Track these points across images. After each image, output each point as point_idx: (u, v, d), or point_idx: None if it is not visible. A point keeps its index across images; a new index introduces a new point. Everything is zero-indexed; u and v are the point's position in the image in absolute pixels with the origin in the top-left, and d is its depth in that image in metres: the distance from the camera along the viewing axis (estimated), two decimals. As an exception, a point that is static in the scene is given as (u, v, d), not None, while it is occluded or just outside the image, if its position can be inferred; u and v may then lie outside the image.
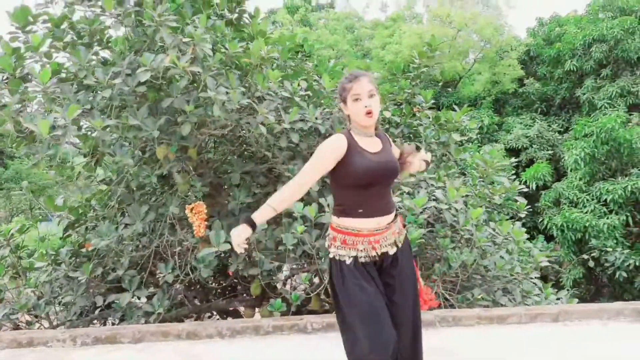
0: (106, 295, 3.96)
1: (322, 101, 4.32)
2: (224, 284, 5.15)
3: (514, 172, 10.00)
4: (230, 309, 5.01)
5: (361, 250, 2.01)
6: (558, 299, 5.01)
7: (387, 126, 4.77)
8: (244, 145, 4.48)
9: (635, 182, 10.51)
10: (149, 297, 3.97)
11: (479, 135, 14.94)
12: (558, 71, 15.96)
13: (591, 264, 10.23)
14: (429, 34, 14.15)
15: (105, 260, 4.00)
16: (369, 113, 1.98)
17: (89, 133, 3.71)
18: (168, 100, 3.45)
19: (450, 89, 17.53)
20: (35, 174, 18.30)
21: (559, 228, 10.75)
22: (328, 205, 3.97)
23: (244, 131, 4.00)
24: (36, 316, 4.06)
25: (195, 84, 3.57)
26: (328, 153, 1.96)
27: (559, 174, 13.65)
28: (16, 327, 3.98)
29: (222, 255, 4.38)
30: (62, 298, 3.96)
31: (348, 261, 2.01)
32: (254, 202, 4.25)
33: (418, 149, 2.40)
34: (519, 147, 14.56)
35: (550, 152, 14.52)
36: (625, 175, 11.10)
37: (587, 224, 10.40)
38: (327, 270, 2.15)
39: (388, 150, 2.10)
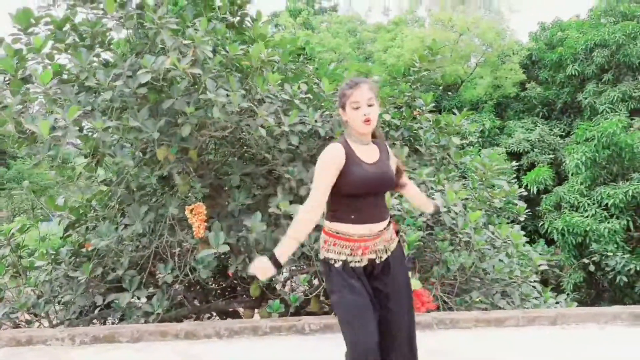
0: (106, 295, 3.98)
1: (323, 104, 4.35)
2: (223, 285, 5.17)
3: (514, 175, 10.03)
4: (230, 309, 5.03)
5: (350, 255, 2.02)
6: (557, 302, 5.01)
7: (387, 129, 4.79)
8: (245, 147, 4.50)
9: (637, 187, 10.50)
10: (149, 297, 3.99)
11: (480, 139, 14.95)
12: (560, 75, 15.97)
13: (592, 268, 10.21)
14: (431, 37, 14.19)
15: (105, 260, 4.03)
16: (367, 121, 1.98)
17: (90, 134, 3.75)
18: (169, 101, 3.48)
19: (451, 93, 17.55)
20: (37, 174, 18.37)
21: (559, 232, 10.75)
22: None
23: (244, 133, 4.02)
24: (36, 315, 4.08)
25: (196, 86, 3.60)
26: (331, 166, 1.96)
27: (560, 178, 13.65)
28: (16, 326, 4.00)
29: (222, 256, 4.40)
30: (61, 297, 3.98)
31: (337, 264, 2.02)
32: (253, 204, 4.28)
33: (437, 212, 2.46)
34: (520, 151, 14.56)
35: (551, 156, 14.52)
36: (626, 180, 11.09)
37: (587, 228, 10.39)
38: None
39: (385, 161, 2.10)
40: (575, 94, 15.49)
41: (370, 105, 1.98)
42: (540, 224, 12.07)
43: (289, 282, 4.87)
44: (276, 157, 4.21)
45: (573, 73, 15.22)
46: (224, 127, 3.85)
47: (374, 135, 2.14)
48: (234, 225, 4.08)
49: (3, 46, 3.36)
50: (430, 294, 3.98)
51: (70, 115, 3.00)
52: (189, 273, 3.95)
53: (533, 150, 14.54)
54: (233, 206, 4.15)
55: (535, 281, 4.82)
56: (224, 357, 3.11)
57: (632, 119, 12.89)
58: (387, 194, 3.90)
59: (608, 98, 14.10)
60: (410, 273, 3.59)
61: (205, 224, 3.84)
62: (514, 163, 9.21)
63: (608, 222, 10.50)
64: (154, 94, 3.59)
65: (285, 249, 1.96)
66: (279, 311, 3.83)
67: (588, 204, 11.14)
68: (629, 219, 10.59)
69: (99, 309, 4.12)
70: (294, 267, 4.53)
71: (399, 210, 3.95)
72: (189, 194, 4.20)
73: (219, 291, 5.18)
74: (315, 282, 4.17)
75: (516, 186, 5.13)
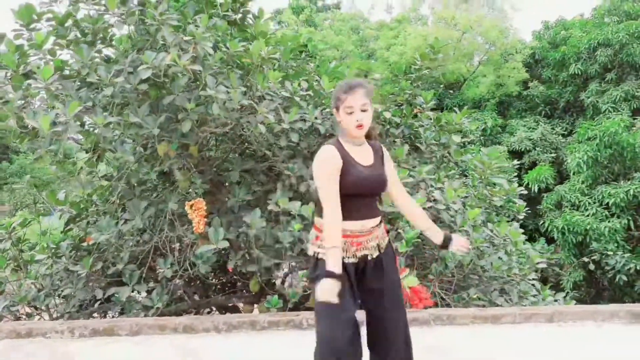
0: (106, 289, 4.01)
1: (323, 101, 4.36)
2: (223, 280, 5.20)
3: (516, 174, 10.03)
4: (229, 305, 5.06)
5: (341, 251, 2.01)
6: (555, 300, 5.03)
7: (387, 126, 4.81)
8: (245, 144, 4.53)
9: (638, 186, 10.49)
10: (149, 292, 4.03)
11: (482, 137, 14.95)
12: (563, 74, 15.94)
13: (592, 267, 10.23)
14: (433, 36, 14.16)
15: (106, 255, 4.06)
16: (359, 127, 2.00)
17: (92, 129, 3.77)
18: (169, 98, 3.50)
19: (453, 91, 17.53)
20: (39, 168, 18.46)
21: (559, 231, 10.76)
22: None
23: (244, 130, 4.04)
24: (36, 308, 4.12)
25: (197, 83, 3.62)
26: (333, 169, 1.98)
27: (562, 177, 13.64)
28: (17, 319, 4.04)
29: (222, 252, 4.43)
30: (62, 291, 4.01)
31: (324, 258, 2.00)
32: (253, 200, 4.30)
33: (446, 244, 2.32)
34: (522, 150, 14.56)
35: (553, 155, 14.51)
36: (627, 179, 11.09)
37: (588, 227, 10.40)
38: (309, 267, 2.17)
39: (379, 164, 2.10)
40: (578, 93, 15.48)
41: (364, 111, 1.99)
42: (540, 223, 12.08)
43: (288, 277, 4.89)
44: (276, 154, 4.23)
45: (576, 72, 15.20)
46: (225, 124, 3.87)
47: (369, 136, 2.14)
48: (233, 221, 4.11)
49: (5, 42, 3.38)
50: (428, 291, 4.00)
51: (71, 110, 3.03)
52: (189, 268, 3.98)
53: (535, 149, 14.54)
54: (233, 202, 4.17)
55: (534, 279, 4.84)
56: (222, 351, 3.13)
57: (634, 119, 12.86)
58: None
59: (611, 97, 14.07)
60: (408, 270, 3.62)
61: (205, 219, 3.87)
62: (516, 162, 9.26)
63: (609, 221, 10.51)
64: (154, 90, 3.61)
65: (336, 260, 1.94)
66: (278, 306, 3.86)
67: (589, 203, 11.14)
68: (630, 218, 10.58)
69: (99, 302, 4.16)
70: (293, 263, 4.55)
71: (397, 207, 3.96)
72: (189, 190, 4.23)
73: (218, 286, 5.21)
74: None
75: (516, 184, 5.14)
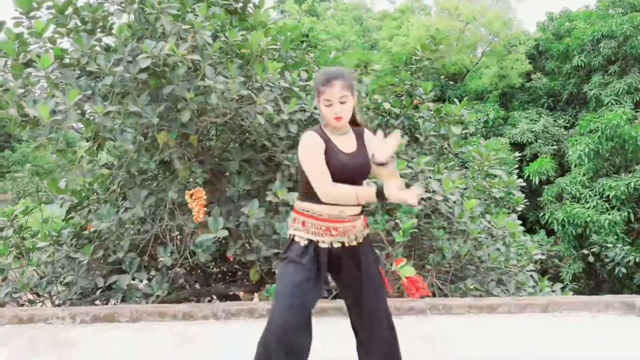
0: (107, 277, 4.06)
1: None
2: (224, 269, 5.24)
3: (517, 166, 10.04)
4: (230, 293, 5.11)
5: (317, 234, 2.03)
6: (553, 291, 5.06)
7: (387, 117, 4.81)
8: (245, 134, 4.54)
9: (639, 179, 10.51)
10: (150, 280, 4.07)
11: (484, 129, 14.93)
12: (566, 66, 15.86)
13: (591, 259, 10.27)
14: (437, 26, 14.09)
15: (106, 243, 4.10)
16: (337, 119, 1.99)
17: (92, 118, 3.79)
18: (169, 87, 3.51)
19: (455, 82, 17.46)
20: (41, 157, 18.53)
21: (560, 223, 10.79)
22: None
23: (243, 120, 4.06)
24: (38, 295, 4.17)
25: (197, 72, 3.63)
26: (318, 150, 1.98)
27: (564, 170, 13.64)
28: (19, 306, 4.09)
29: (223, 241, 4.47)
30: (63, 278, 4.06)
31: (302, 243, 2.03)
32: (253, 190, 4.33)
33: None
34: (524, 142, 14.54)
35: (555, 147, 14.49)
36: (628, 172, 11.09)
37: (588, 220, 10.43)
38: (280, 257, 2.14)
39: (362, 150, 2.09)
40: (581, 85, 15.41)
41: (343, 103, 1.98)
42: (541, 215, 12.11)
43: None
44: (276, 145, 4.24)
45: (579, 64, 15.12)
46: (224, 114, 3.89)
47: (356, 124, 2.13)
48: (233, 210, 4.14)
49: (4, 30, 3.39)
50: (425, 281, 4.03)
51: (71, 99, 3.05)
52: (189, 257, 4.02)
53: (537, 141, 14.52)
54: (232, 192, 4.20)
55: (532, 270, 4.87)
56: (221, 337, 3.18)
57: (637, 111, 12.83)
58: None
59: (613, 90, 14.02)
60: (405, 260, 3.65)
61: (205, 208, 3.89)
62: (517, 154, 9.26)
63: (609, 214, 10.53)
64: (154, 79, 3.62)
65: (367, 190, 1.95)
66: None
67: (589, 196, 11.16)
68: (630, 210, 10.61)
69: (100, 290, 4.21)
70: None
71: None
72: (190, 179, 4.26)
73: (219, 275, 5.25)
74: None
75: (515, 176, 5.15)
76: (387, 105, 4.61)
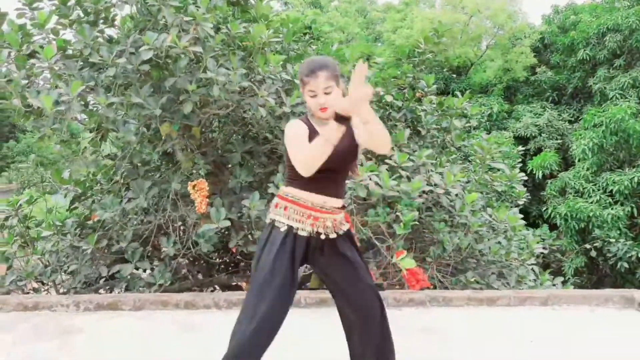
0: (111, 266, 4.11)
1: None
2: (226, 260, 5.29)
3: (520, 160, 10.01)
4: (232, 284, 5.16)
5: (298, 221, 2.00)
6: (554, 285, 5.08)
7: (389, 110, 4.82)
8: (248, 126, 4.56)
9: (643, 174, 10.48)
10: (152, 270, 4.12)
11: (488, 123, 14.88)
12: (571, 60, 15.74)
13: (593, 253, 10.28)
14: (440, 19, 14.01)
15: (110, 233, 4.14)
16: (322, 110, 1.97)
17: (95, 109, 3.82)
18: (171, 79, 3.53)
19: (460, 75, 17.38)
20: (45, 148, 18.62)
21: (562, 217, 10.78)
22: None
23: (245, 112, 4.08)
24: (43, 283, 4.23)
25: (199, 64, 3.65)
26: (302, 132, 1.96)
27: (567, 164, 13.60)
28: (24, 294, 4.15)
29: (225, 232, 4.50)
30: (67, 267, 4.12)
31: (282, 228, 2.00)
32: (255, 182, 4.36)
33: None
34: (528, 136, 14.49)
35: (559, 141, 14.44)
36: (632, 167, 11.05)
37: (591, 214, 10.41)
38: (258, 241, 2.11)
39: (347, 139, 2.01)
40: (586, 79, 15.30)
41: (327, 93, 1.95)
42: (544, 209, 12.10)
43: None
44: (278, 137, 4.26)
45: (584, 57, 15.00)
46: (226, 106, 3.90)
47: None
48: (235, 202, 4.17)
49: (7, 21, 3.41)
50: (426, 273, 4.06)
51: (74, 90, 3.07)
52: (191, 247, 4.06)
53: (540, 135, 14.46)
54: (234, 183, 4.23)
55: (533, 264, 4.88)
56: (222, 326, 3.19)
57: (642, 106, 12.74)
58: (386, 174, 3.98)
59: (618, 84, 13.92)
60: (405, 252, 3.67)
61: (207, 199, 3.93)
62: (521, 148, 9.23)
63: (612, 209, 10.51)
64: (156, 71, 3.64)
65: (326, 128, 1.81)
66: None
67: (593, 190, 11.13)
68: (633, 205, 10.59)
69: (103, 279, 4.26)
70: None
71: (398, 192, 4.00)
72: (192, 171, 4.29)
73: (222, 266, 5.30)
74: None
75: (517, 170, 5.15)
76: (389, 98, 4.61)
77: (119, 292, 4.18)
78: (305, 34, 5.19)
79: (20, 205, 4.17)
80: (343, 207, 2.11)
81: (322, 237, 2.04)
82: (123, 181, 4.33)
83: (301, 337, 2.93)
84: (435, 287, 4.15)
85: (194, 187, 3.94)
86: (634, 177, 10.50)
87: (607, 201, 10.80)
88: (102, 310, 3.44)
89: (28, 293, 4.19)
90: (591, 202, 10.81)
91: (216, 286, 5.23)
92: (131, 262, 3.96)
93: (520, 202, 5.29)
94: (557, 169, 12.92)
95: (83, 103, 3.69)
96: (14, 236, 4.14)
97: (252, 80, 3.84)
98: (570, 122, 15.20)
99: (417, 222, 4.06)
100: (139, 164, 4.23)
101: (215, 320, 3.31)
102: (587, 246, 10.37)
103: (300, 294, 3.57)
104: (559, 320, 3.45)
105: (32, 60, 3.46)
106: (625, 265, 10.04)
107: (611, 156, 11.44)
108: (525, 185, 5.55)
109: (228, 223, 3.80)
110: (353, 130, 2.05)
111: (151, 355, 2.81)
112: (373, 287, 2.11)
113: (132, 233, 4.09)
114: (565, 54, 16.15)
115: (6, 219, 4.18)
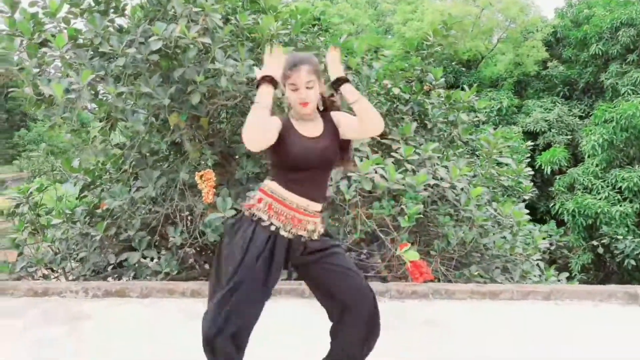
0: (119, 254, 4.18)
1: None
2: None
3: (529, 155, 9.95)
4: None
5: (282, 222, 1.95)
6: (559, 281, 5.08)
7: (396, 103, 4.82)
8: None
9: (653, 171, 10.38)
10: (159, 258, 4.19)
11: (497, 117, 14.78)
12: (583, 54, 15.55)
13: (601, 250, 10.23)
14: (451, 11, 13.89)
15: (119, 221, 4.21)
16: (303, 104, 1.95)
17: (105, 99, 3.86)
18: (180, 70, 3.56)
19: (470, 69, 17.23)
20: (56, 137, 18.81)
21: (570, 213, 10.73)
22: (330, 178, 4.07)
23: (252, 103, 4.09)
24: (53, 270, 4.32)
25: (208, 55, 3.67)
26: (271, 121, 1.91)
27: (577, 160, 13.49)
28: (34, 280, 4.24)
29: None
30: (77, 254, 4.19)
31: (271, 227, 1.94)
32: (261, 173, 4.39)
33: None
34: (537, 131, 14.36)
35: (569, 137, 14.31)
36: (643, 164, 10.96)
37: (599, 211, 10.35)
38: (229, 228, 2.03)
39: (329, 134, 2.02)
40: (599, 74, 15.11)
41: (309, 88, 1.93)
42: (552, 205, 12.04)
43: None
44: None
45: (597, 52, 14.80)
46: (234, 97, 3.93)
47: (328, 109, 2.08)
48: (241, 192, 4.21)
49: (20, 10, 3.45)
50: (430, 267, 4.08)
51: (84, 79, 3.11)
52: (198, 237, 4.11)
53: (550, 131, 14.34)
54: (241, 174, 4.26)
55: (538, 260, 4.87)
56: (227, 315, 3.26)
57: (654, 102, 12.57)
58: (392, 167, 3.98)
59: (631, 79, 13.74)
60: (409, 245, 3.70)
61: (214, 190, 3.97)
62: (530, 143, 9.18)
63: (620, 205, 10.44)
64: (166, 61, 3.67)
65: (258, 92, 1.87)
66: (283, 278, 3.97)
67: (602, 187, 11.05)
68: (642, 202, 10.50)
69: (112, 267, 4.34)
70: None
71: (403, 185, 4.01)
72: (200, 161, 4.33)
73: (229, 256, 5.34)
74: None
75: (523, 165, 5.13)
76: (396, 91, 4.61)
77: (126, 280, 4.25)
78: (314, 25, 5.17)
79: (31, 193, 4.24)
80: (322, 211, 2.08)
81: (303, 240, 1.99)
82: (132, 170, 4.38)
83: (304, 327, 2.97)
84: (439, 281, 4.17)
85: (201, 177, 3.98)
86: (643, 174, 10.42)
87: (616, 198, 10.72)
88: (110, 297, 3.51)
89: (38, 280, 4.28)
90: (599, 199, 10.74)
91: (222, 276, 5.29)
92: (138, 250, 4.02)
93: (527, 197, 5.27)
94: (566, 164, 12.83)
95: (93, 92, 3.73)
96: (25, 223, 4.21)
97: (259, 71, 3.85)
98: (580, 117, 15.05)
99: (422, 216, 4.08)
100: (147, 154, 4.28)
101: (220, 309, 3.35)
102: (595, 243, 10.32)
103: (304, 285, 3.60)
104: (562, 315, 3.44)
105: (44, 49, 3.50)
106: (633, 262, 9.99)
107: (621, 152, 11.34)
108: (533, 181, 5.53)
109: (234, 212, 3.84)
110: (337, 128, 2.05)
111: (157, 341, 2.86)
112: (363, 283, 2.06)
113: (140, 222, 4.15)
114: (577, 48, 15.94)
115: (17, 206, 4.26)
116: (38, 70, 3.36)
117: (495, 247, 4.47)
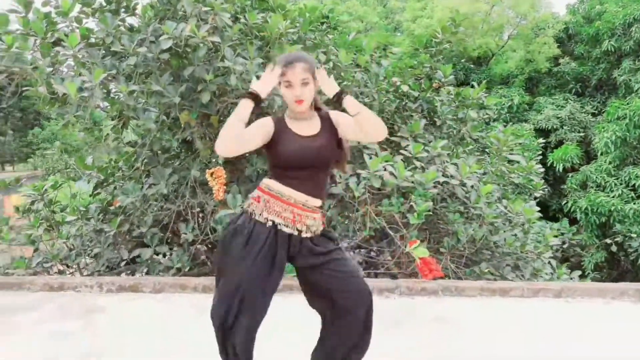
0: (132, 250, 4.25)
1: (342, 74, 4.39)
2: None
3: (541, 152, 9.88)
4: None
5: (280, 217, 1.95)
6: (571, 279, 5.04)
7: (405, 101, 4.82)
8: (265, 115, 4.60)
9: (667, 168, 10.23)
10: (171, 254, 4.24)
11: (508, 115, 14.65)
12: (596, 51, 15.35)
13: (614, 248, 10.10)
14: (461, 8, 13.80)
15: (131, 218, 4.27)
16: (298, 102, 1.95)
17: (117, 97, 3.92)
18: (190, 68, 3.60)
19: (480, 66, 17.10)
20: (69, 135, 19.04)
21: (582, 211, 10.62)
22: (340, 175, 4.10)
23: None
24: (68, 266, 4.40)
25: (217, 53, 3.71)
26: (260, 124, 1.95)
27: (589, 157, 13.34)
28: (50, 276, 4.32)
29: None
30: (91, 250, 4.26)
31: (267, 224, 1.94)
32: (271, 170, 4.42)
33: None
34: (549, 128, 14.22)
35: (581, 134, 14.15)
36: (657, 161, 10.81)
37: (612, 208, 10.24)
38: (229, 222, 2.05)
39: (325, 133, 2.02)
40: (611, 71, 14.91)
41: (304, 85, 1.94)
42: (564, 203, 11.93)
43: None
44: (294, 125, 4.30)
45: (609, 49, 14.60)
46: (243, 95, 3.95)
47: (318, 108, 2.08)
48: (251, 189, 4.22)
49: (33, 9, 3.51)
50: (440, 264, 4.08)
51: (96, 77, 3.16)
52: (210, 233, 4.16)
53: (562, 128, 14.19)
54: (251, 171, 4.30)
55: (550, 258, 4.84)
56: (238, 311, 3.30)
57: (668, 98, 12.39)
58: (401, 165, 3.99)
59: (644, 76, 13.55)
60: (419, 241, 3.70)
61: (225, 187, 4.01)
62: (541, 140, 9.11)
63: (634, 203, 10.32)
64: (176, 60, 3.71)
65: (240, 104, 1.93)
66: (293, 274, 4.00)
67: (615, 184, 10.93)
68: (657, 200, 10.36)
69: (125, 263, 4.40)
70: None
71: (412, 182, 4.01)
72: (211, 159, 4.37)
73: (239, 253, 5.38)
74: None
75: (533, 162, 5.10)
76: (405, 88, 4.61)
77: (139, 276, 4.32)
78: (322, 23, 5.18)
79: (46, 190, 4.32)
80: (321, 207, 2.08)
81: (302, 235, 1.99)
82: (144, 168, 4.44)
83: (305, 323, 2.99)
84: (448, 278, 4.17)
85: (211, 174, 4.02)
86: (658, 171, 10.28)
87: (630, 196, 10.60)
88: (124, 291, 3.57)
89: (54, 275, 4.36)
90: (613, 197, 10.63)
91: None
92: (151, 246, 4.08)
93: (538, 195, 5.24)
94: (578, 162, 12.69)
95: (105, 91, 3.79)
96: (40, 220, 4.29)
97: (268, 69, 3.88)
98: (593, 114, 14.86)
99: (431, 213, 4.08)
100: (159, 152, 4.34)
101: (231, 304, 3.39)
102: (608, 241, 10.19)
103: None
104: (573, 312, 3.42)
105: (57, 48, 3.56)
106: (646, 261, 9.87)
107: (635, 150, 11.20)
108: (545, 179, 5.50)
109: (244, 210, 3.88)
110: (335, 127, 2.04)
111: (170, 336, 2.91)
112: (364, 286, 2.05)
113: (153, 219, 4.21)
114: (589, 44, 15.74)
115: (32, 203, 4.35)
116: (51, 69, 3.42)
117: (506, 245, 4.46)
